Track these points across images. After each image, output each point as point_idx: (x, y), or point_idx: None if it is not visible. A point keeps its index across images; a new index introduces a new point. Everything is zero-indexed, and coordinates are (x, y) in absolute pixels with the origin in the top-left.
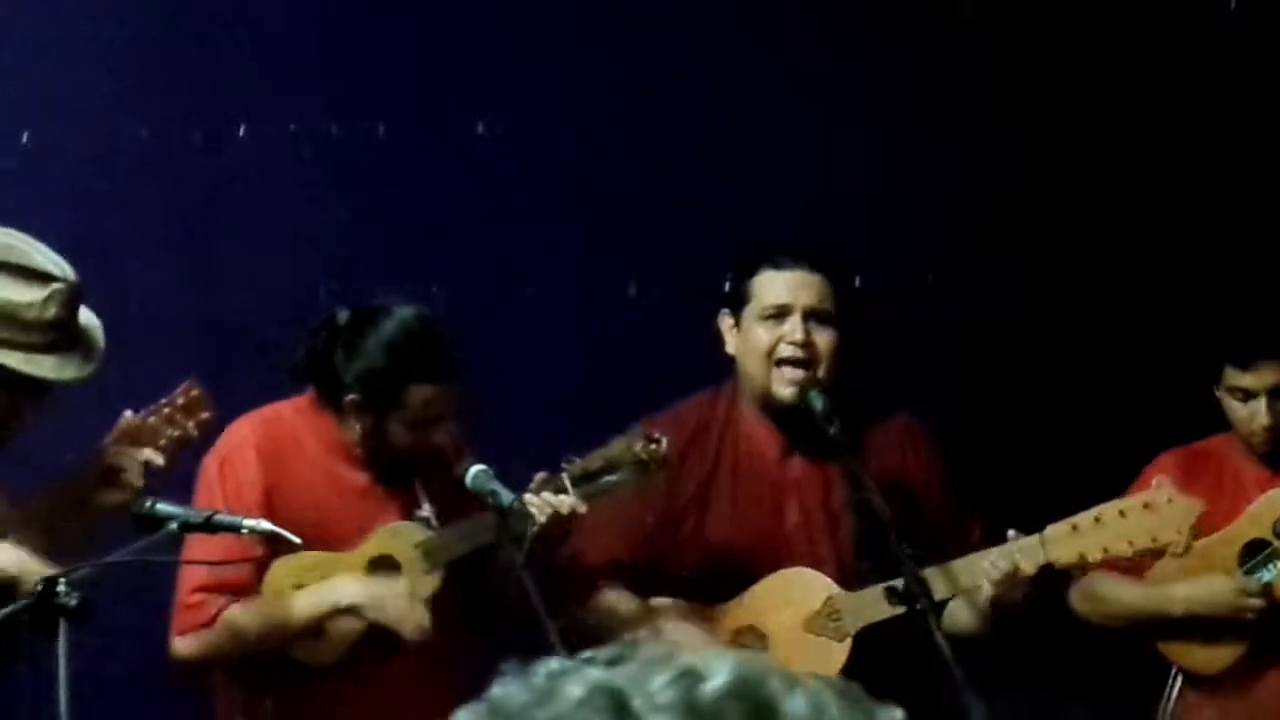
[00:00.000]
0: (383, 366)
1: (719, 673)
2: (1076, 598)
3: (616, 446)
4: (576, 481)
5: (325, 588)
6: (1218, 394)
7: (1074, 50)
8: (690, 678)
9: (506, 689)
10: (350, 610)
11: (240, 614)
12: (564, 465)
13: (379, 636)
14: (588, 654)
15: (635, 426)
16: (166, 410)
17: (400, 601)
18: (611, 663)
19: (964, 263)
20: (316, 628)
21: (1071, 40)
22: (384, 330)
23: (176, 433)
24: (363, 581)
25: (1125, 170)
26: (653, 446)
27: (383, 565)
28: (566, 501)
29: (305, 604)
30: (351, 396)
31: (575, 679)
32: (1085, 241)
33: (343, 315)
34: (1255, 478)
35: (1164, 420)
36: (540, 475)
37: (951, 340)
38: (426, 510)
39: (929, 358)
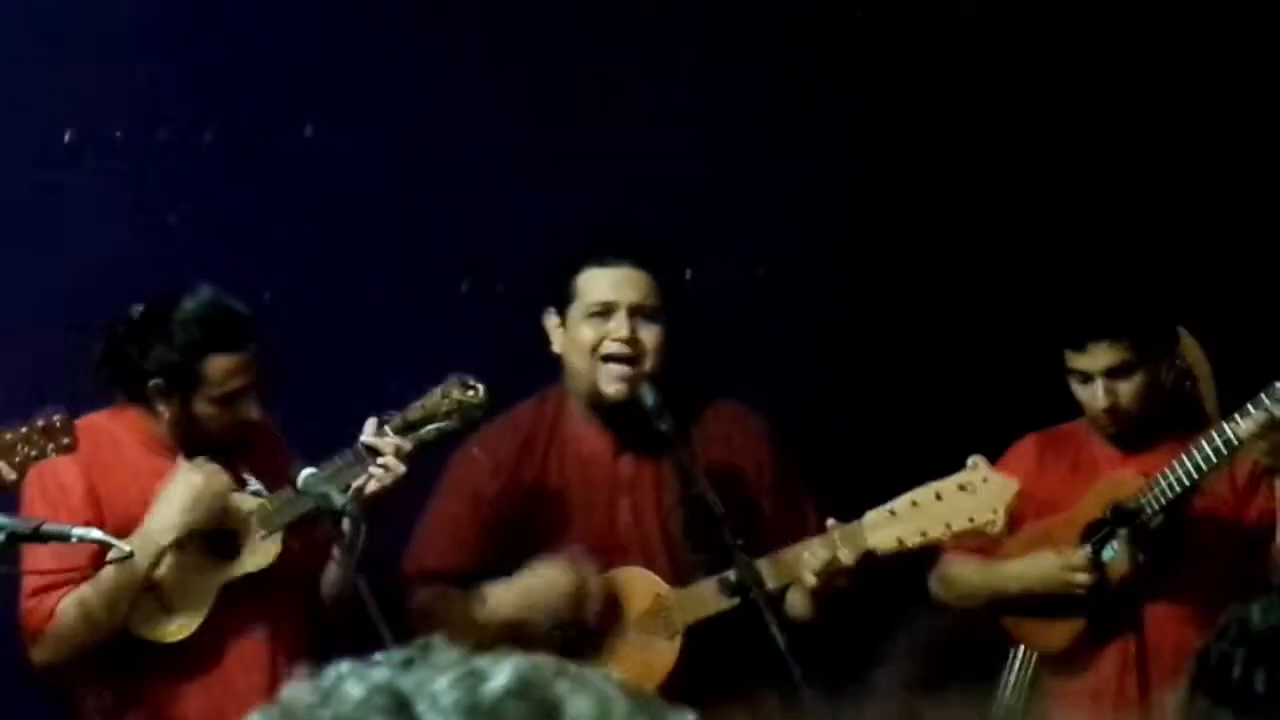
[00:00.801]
0: (178, 343)
1: (501, 673)
2: (932, 581)
3: (433, 396)
4: (400, 431)
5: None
6: (1067, 378)
7: (908, 41)
8: (473, 678)
9: (295, 690)
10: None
11: (77, 593)
12: (384, 419)
13: (227, 616)
14: (379, 655)
15: (451, 376)
16: (25, 430)
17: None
18: (401, 664)
19: (799, 255)
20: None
21: (906, 32)
22: (176, 312)
23: (33, 453)
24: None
25: (955, 158)
26: (469, 393)
27: (221, 539)
28: (389, 442)
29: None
30: (154, 382)
31: (359, 679)
32: (921, 231)
33: (136, 309)
34: (1107, 459)
35: (1021, 405)
36: (368, 424)
37: (791, 333)
38: (254, 484)
39: (769, 352)
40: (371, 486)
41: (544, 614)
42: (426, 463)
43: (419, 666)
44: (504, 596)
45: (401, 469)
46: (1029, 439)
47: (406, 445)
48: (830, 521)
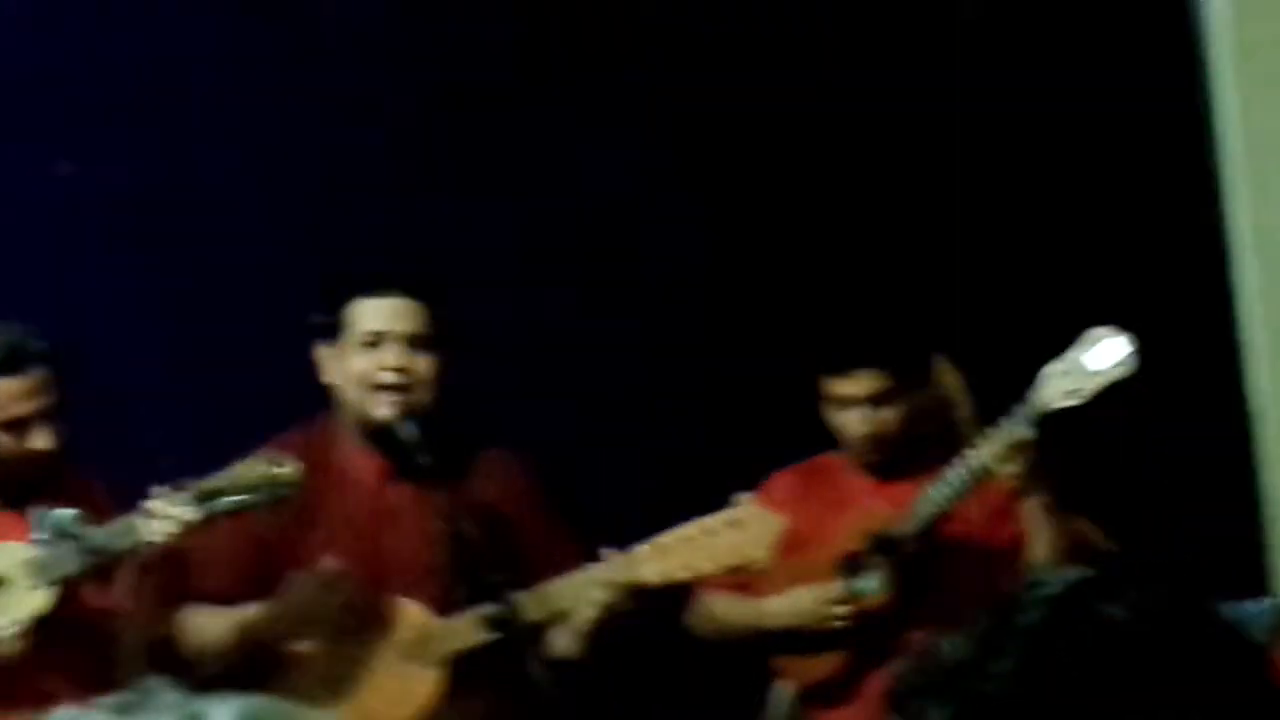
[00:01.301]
0: None
1: (221, 715)
2: (692, 617)
3: (239, 468)
4: (197, 500)
5: None
6: (823, 409)
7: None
8: None
9: None
10: None
11: None
12: (183, 486)
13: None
14: (103, 699)
15: (260, 451)
16: None
17: None
18: (119, 708)
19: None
20: None
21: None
22: None
23: None
24: None
25: (712, 190)
26: (276, 469)
27: None
28: (173, 511)
29: None
30: None
31: None
32: (676, 258)
33: None
34: (864, 489)
35: (779, 437)
36: (159, 490)
37: (550, 371)
38: (41, 533)
39: (531, 387)
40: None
41: (303, 624)
42: None
43: (138, 710)
44: (263, 611)
45: (173, 532)
46: (786, 473)
47: (192, 516)
48: (604, 552)
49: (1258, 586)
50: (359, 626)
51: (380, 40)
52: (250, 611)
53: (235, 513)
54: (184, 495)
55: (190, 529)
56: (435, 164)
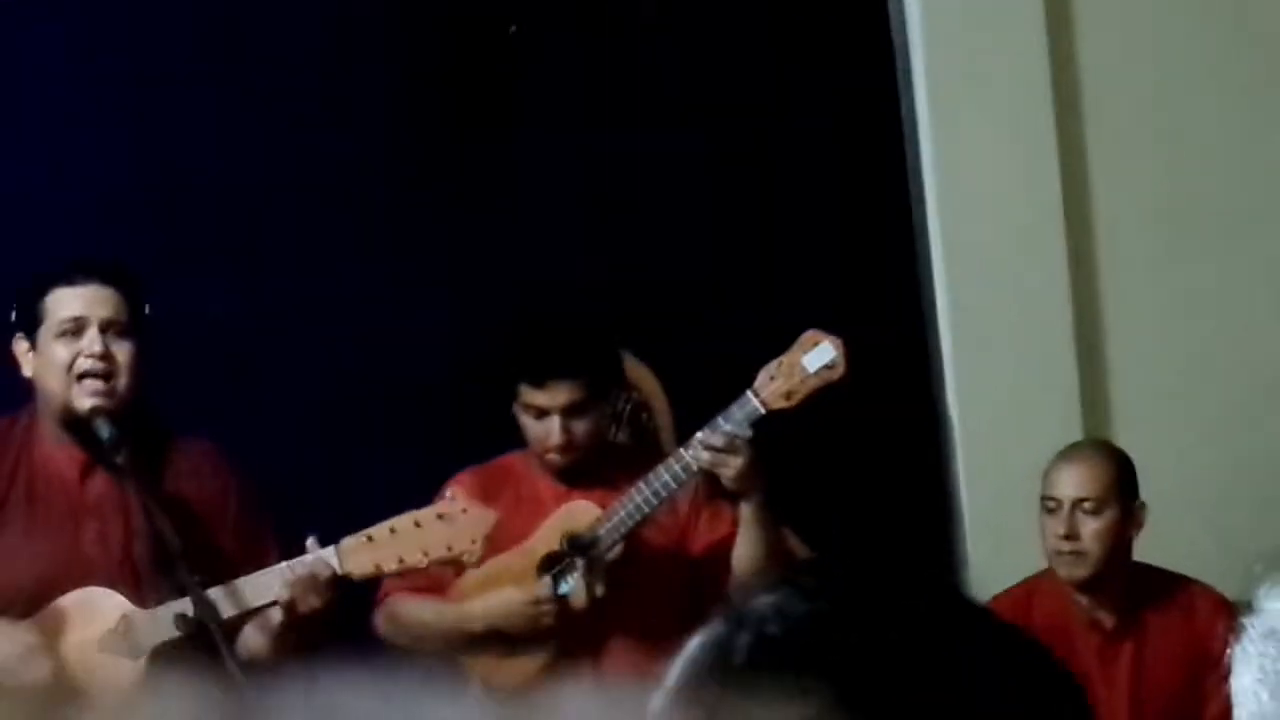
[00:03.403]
0: None
1: None
2: (380, 620)
3: None
4: None
5: None
6: (515, 411)
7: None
8: None
9: None
10: None
11: None
12: None
13: None
14: None
15: None
16: None
17: None
18: None
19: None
20: None
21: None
22: None
23: None
24: None
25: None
26: None
27: None
28: None
29: None
30: None
31: None
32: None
33: None
34: (552, 493)
35: (466, 436)
36: None
37: (258, 364)
38: None
39: (237, 381)
40: None
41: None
42: None
43: None
44: None
45: None
46: (466, 474)
47: None
48: (309, 543)
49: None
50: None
51: None
52: None
53: None
54: None
55: None
56: None
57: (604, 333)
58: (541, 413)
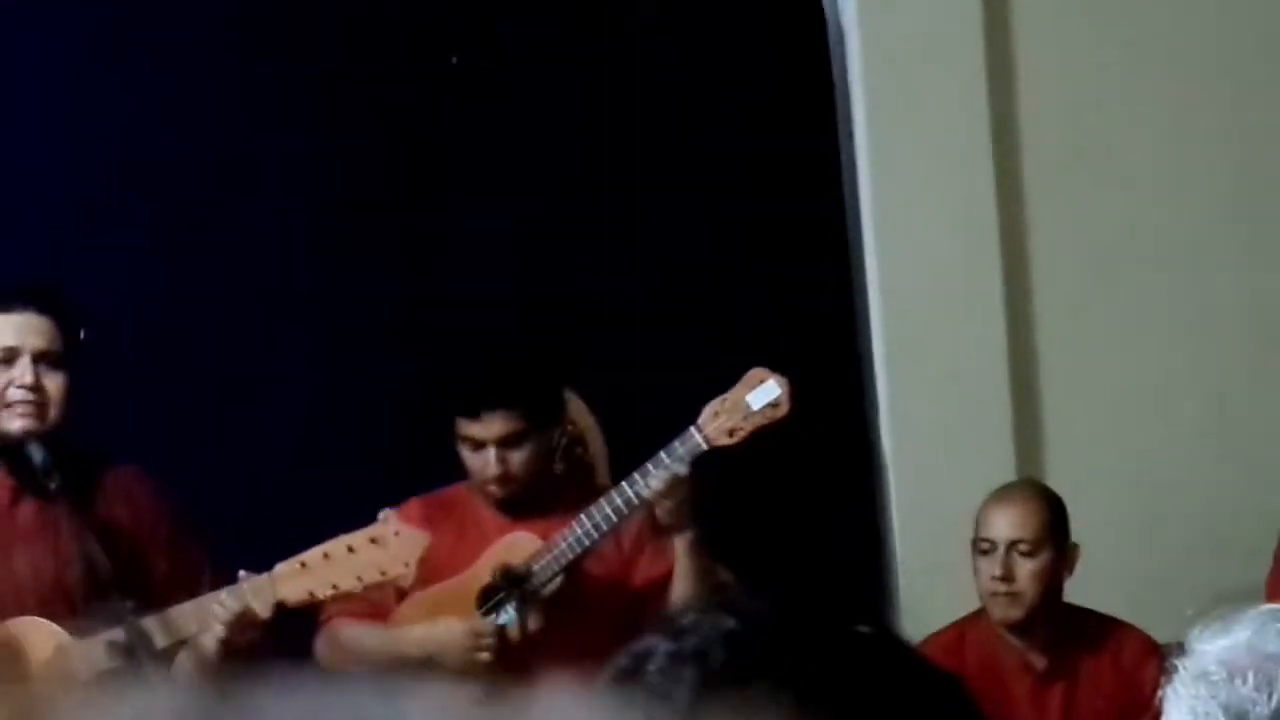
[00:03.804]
0: None
1: None
2: (319, 645)
3: None
4: None
5: None
6: (457, 445)
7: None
8: None
9: None
10: None
11: None
12: None
13: None
14: None
15: None
16: None
17: None
18: None
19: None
20: None
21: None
22: None
23: None
24: None
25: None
26: None
27: None
28: None
29: None
30: None
31: None
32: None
33: None
34: (496, 525)
35: (407, 469)
36: None
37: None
38: None
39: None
40: None
41: None
42: None
43: None
44: None
45: None
46: (414, 502)
47: None
48: (242, 573)
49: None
50: None
51: None
52: None
53: None
54: None
55: None
56: None
57: (539, 363)
58: (478, 445)
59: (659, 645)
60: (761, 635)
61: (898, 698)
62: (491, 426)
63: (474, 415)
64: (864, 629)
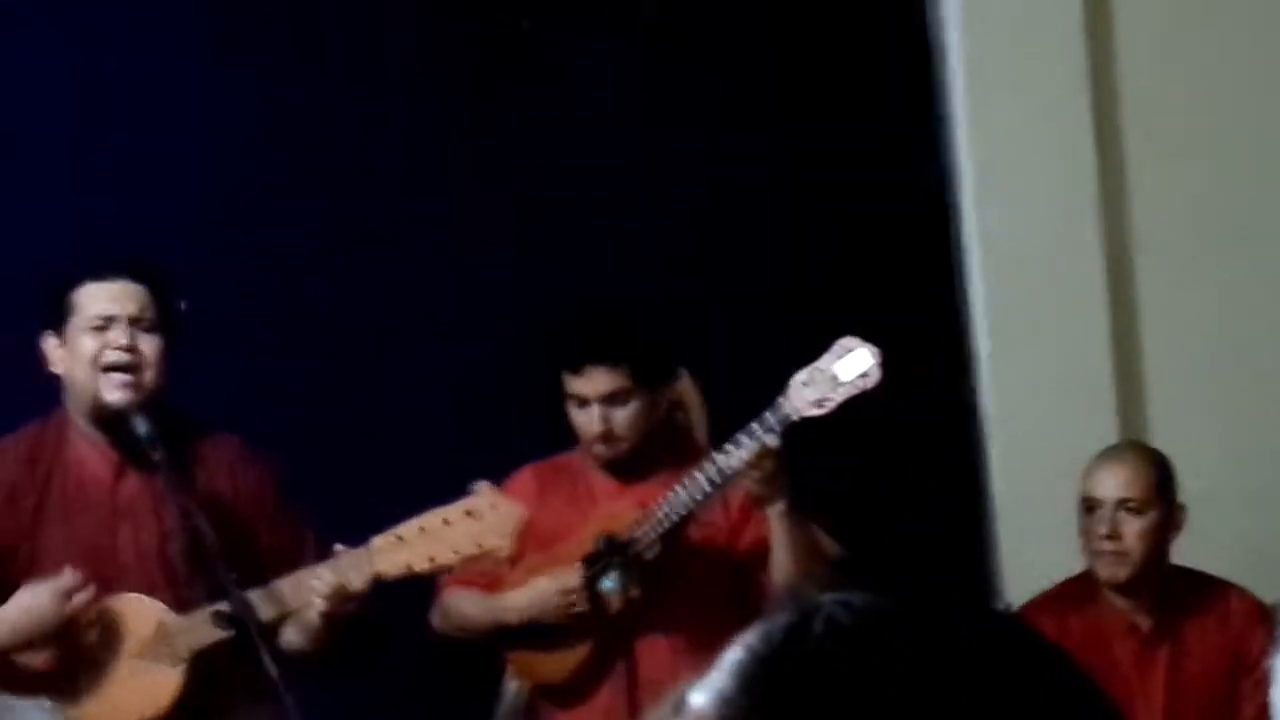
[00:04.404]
0: None
1: None
2: (435, 615)
3: None
4: None
5: None
6: (567, 406)
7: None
8: None
9: None
10: None
11: None
12: None
13: None
14: None
15: None
16: None
17: None
18: None
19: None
20: None
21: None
22: None
23: None
24: None
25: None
26: None
27: None
28: None
29: None
30: None
31: None
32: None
33: None
34: (605, 489)
35: (522, 433)
36: None
37: (291, 361)
38: None
39: (271, 379)
40: None
41: (35, 639)
42: None
43: None
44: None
45: None
46: (527, 470)
47: None
48: (338, 547)
49: (987, 592)
50: (93, 629)
51: None
52: None
53: None
54: None
55: None
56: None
57: (649, 321)
58: (582, 401)
59: (763, 633)
60: (861, 621)
61: (1006, 685)
62: (596, 382)
63: (578, 370)
64: (967, 609)
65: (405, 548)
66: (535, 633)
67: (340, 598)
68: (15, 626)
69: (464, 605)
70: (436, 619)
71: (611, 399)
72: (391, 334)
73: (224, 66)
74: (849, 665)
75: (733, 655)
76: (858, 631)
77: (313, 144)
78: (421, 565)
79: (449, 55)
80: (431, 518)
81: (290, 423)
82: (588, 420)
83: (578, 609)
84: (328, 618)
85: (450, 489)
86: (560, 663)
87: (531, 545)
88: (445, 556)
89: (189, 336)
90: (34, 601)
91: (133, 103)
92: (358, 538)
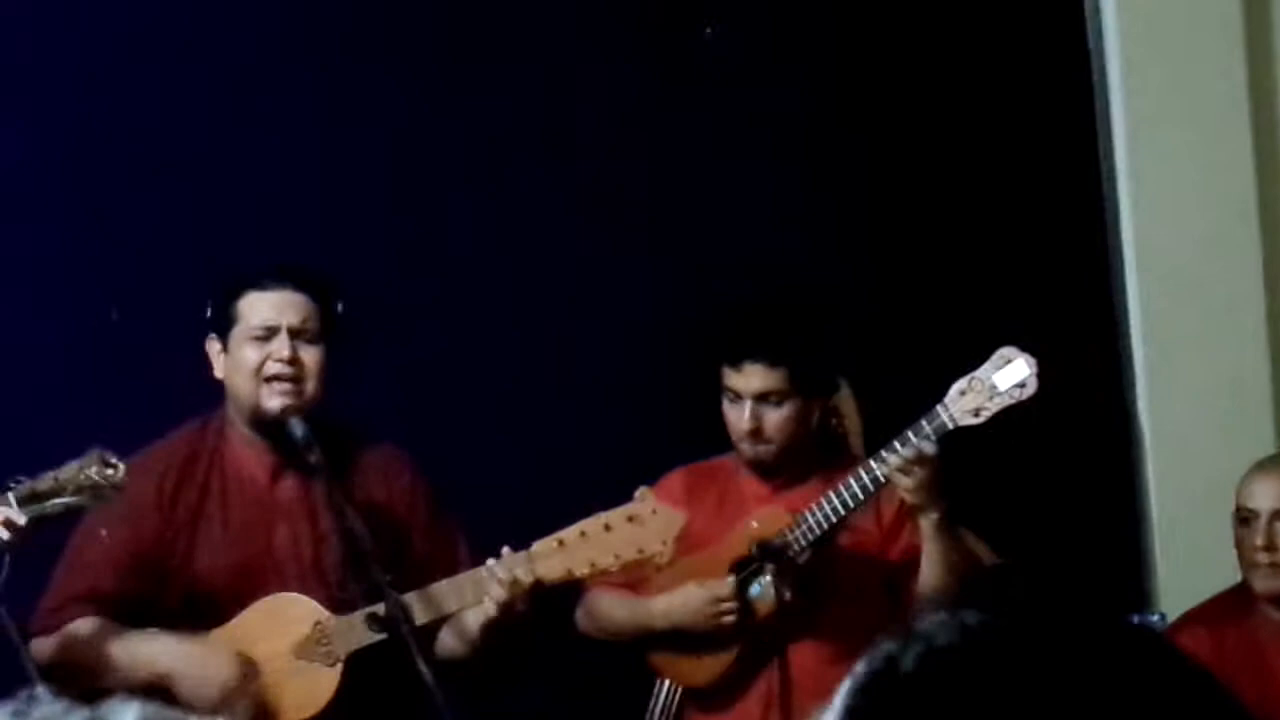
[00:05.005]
0: None
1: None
2: (579, 615)
3: (69, 469)
4: (23, 502)
5: None
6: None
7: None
8: None
9: None
10: None
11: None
12: (11, 485)
13: None
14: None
15: (93, 450)
16: None
17: None
18: (15, 715)
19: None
20: None
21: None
22: None
23: None
24: None
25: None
26: (109, 471)
27: None
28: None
29: None
30: None
31: None
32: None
33: None
34: (755, 493)
35: (673, 435)
36: None
37: (449, 370)
38: None
39: (425, 387)
40: None
41: (192, 688)
42: None
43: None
44: (159, 652)
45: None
46: (678, 473)
47: (19, 519)
48: (505, 550)
49: (1141, 603)
50: (248, 705)
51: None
52: (152, 645)
53: (60, 516)
54: (7, 497)
55: (19, 532)
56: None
57: (811, 323)
58: (736, 396)
59: (909, 649)
60: (1006, 638)
61: (1150, 703)
62: (751, 379)
63: (737, 364)
64: (1116, 625)
65: (566, 552)
66: (681, 636)
67: (502, 602)
68: (183, 672)
69: (610, 607)
70: (581, 619)
71: (765, 398)
72: (550, 338)
73: (403, 74)
74: (937, 696)
75: (845, 681)
76: (949, 663)
77: (488, 152)
78: (582, 570)
79: (626, 64)
80: (593, 523)
81: (447, 427)
82: (739, 416)
83: (728, 619)
84: (494, 622)
85: (604, 493)
86: (706, 667)
87: (680, 549)
88: (606, 561)
89: (349, 340)
90: (208, 658)
91: (307, 106)
92: (516, 543)
